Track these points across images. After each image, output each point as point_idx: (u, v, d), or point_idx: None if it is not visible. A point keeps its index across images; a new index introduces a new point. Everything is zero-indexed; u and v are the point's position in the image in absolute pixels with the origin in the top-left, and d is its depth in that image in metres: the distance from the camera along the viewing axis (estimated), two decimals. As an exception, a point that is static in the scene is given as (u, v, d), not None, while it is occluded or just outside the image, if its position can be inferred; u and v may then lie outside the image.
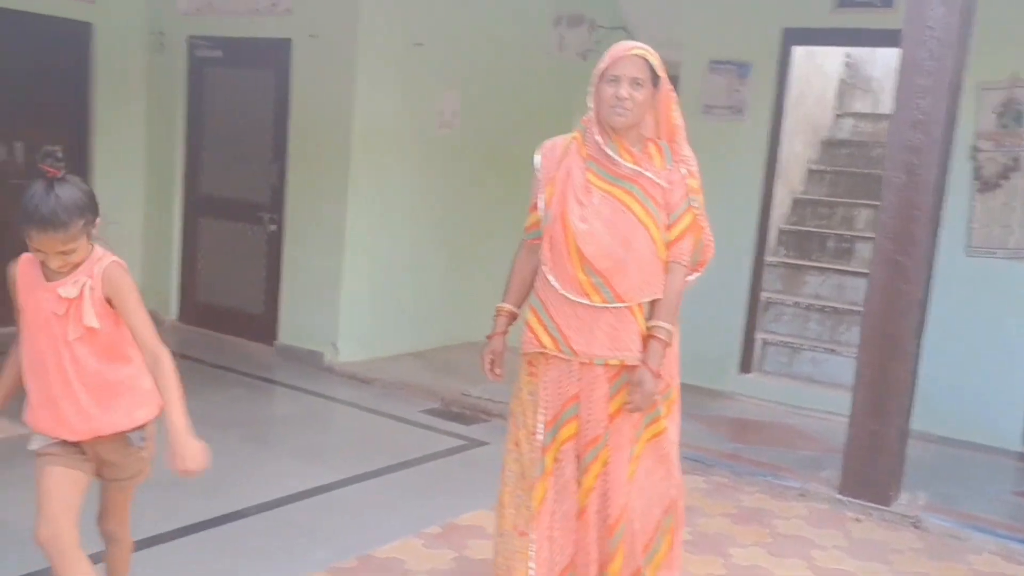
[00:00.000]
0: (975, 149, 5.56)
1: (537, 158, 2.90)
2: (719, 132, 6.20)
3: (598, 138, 2.76)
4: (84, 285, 2.31)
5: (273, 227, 6.39)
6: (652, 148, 2.81)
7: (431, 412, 5.43)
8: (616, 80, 2.69)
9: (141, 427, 2.45)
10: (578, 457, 2.79)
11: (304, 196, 6.20)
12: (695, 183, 2.82)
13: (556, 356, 2.77)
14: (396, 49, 6.05)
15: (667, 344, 2.76)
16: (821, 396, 6.11)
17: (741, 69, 6.19)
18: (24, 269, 2.38)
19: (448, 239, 6.68)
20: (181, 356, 6.33)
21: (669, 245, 2.78)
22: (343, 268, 6.03)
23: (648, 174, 2.75)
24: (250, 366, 6.16)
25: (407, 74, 6.14)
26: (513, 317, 2.96)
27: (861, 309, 6.53)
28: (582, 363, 2.75)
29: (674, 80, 8.96)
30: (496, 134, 6.81)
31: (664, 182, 2.76)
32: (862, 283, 6.78)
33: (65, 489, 2.36)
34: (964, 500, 4.56)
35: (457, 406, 5.50)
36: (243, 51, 6.46)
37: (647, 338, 2.76)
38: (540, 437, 2.78)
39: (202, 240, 6.84)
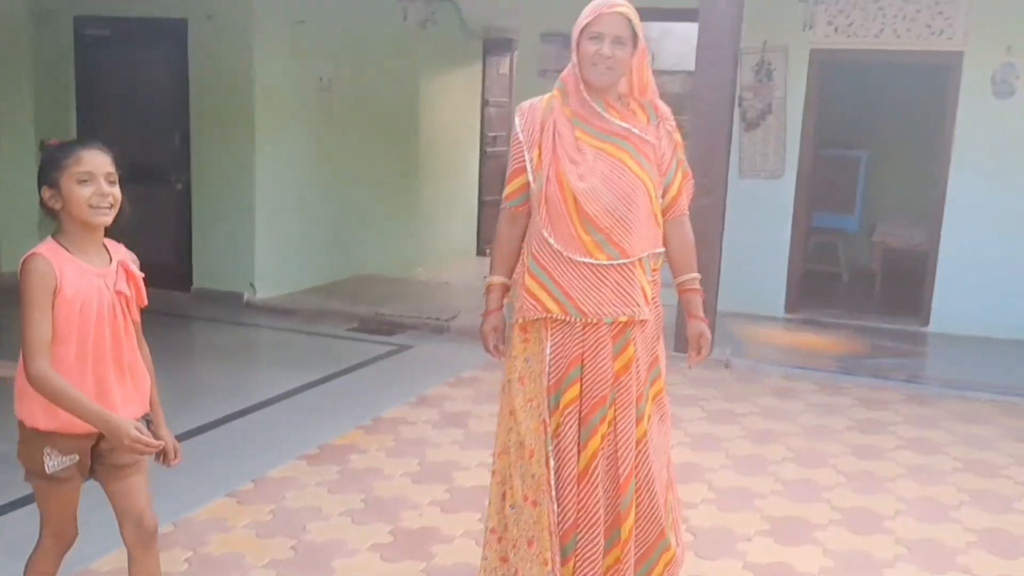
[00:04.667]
0: (741, 98, 7.47)
1: (517, 121, 2.82)
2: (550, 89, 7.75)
3: (585, 95, 2.72)
4: (133, 263, 2.39)
5: (179, 186, 7.24)
6: (634, 105, 2.80)
7: (355, 330, 6.68)
8: (599, 37, 2.65)
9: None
10: (581, 420, 2.73)
11: (210, 155, 7.11)
12: (679, 137, 2.84)
13: (559, 320, 2.72)
14: (283, 26, 7.06)
15: (703, 292, 2.90)
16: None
17: (566, 40, 7.71)
18: (58, 260, 2.22)
19: (337, 183, 7.84)
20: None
21: (673, 202, 2.83)
22: (255, 215, 7.06)
23: (636, 131, 2.74)
24: (173, 308, 7.04)
25: (293, 47, 7.18)
26: (506, 289, 2.89)
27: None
28: (586, 324, 2.71)
29: (511, 46, 10.43)
30: (362, 93, 8.00)
31: (653, 139, 2.76)
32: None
33: (76, 508, 2.40)
34: (753, 350, 6.51)
35: (374, 323, 6.77)
36: (135, 30, 7.18)
37: (684, 292, 2.87)
38: (544, 402, 2.73)
39: (104, 203, 7.51)
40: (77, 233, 2.28)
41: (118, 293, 2.32)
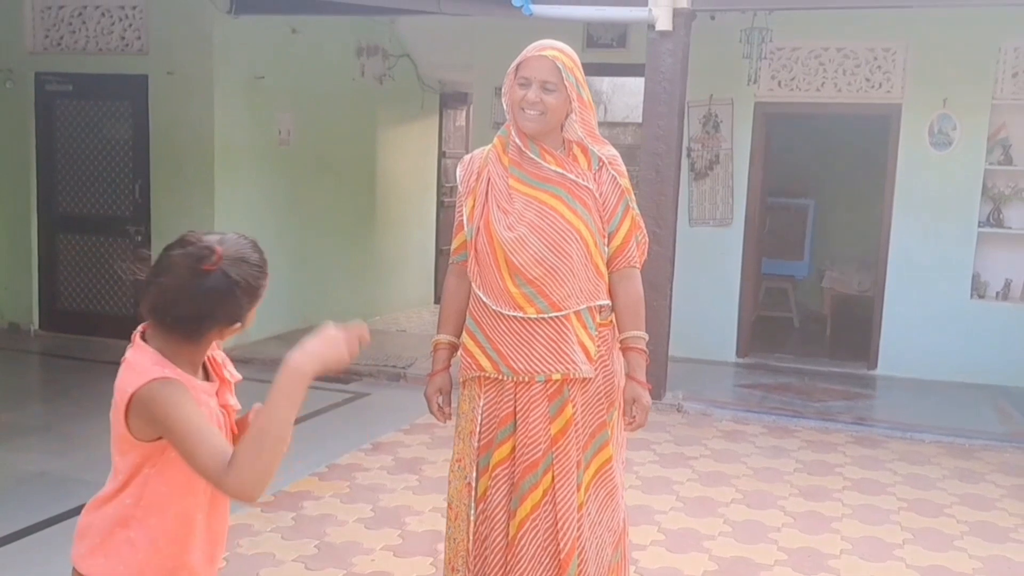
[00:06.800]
0: (689, 149, 7.71)
1: (458, 172, 2.74)
2: (506, 142, 7.98)
3: (518, 141, 2.60)
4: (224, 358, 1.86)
5: (139, 237, 7.29)
6: (576, 150, 2.65)
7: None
8: (526, 83, 2.54)
9: None
10: (513, 484, 2.59)
11: (170, 206, 7.17)
12: (626, 182, 2.67)
13: (492, 378, 2.60)
14: (243, 81, 7.20)
15: (646, 353, 2.65)
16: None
17: (521, 93, 7.97)
18: (181, 375, 1.69)
19: (295, 235, 7.92)
20: (61, 357, 7.12)
21: (618, 251, 2.64)
22: (214, 267, 7.09)
23: (572, 176, 2.59)
24: (131, 360, 7.03)
25: (252, 101, 7.30)
26: (454, 348, 2.75)
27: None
28: (518, 382, 2.57)
29: (467, 99, 10.63)
30: (321, 146, 8.13)
31: (592, 185, 2.60)
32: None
33: None
34: (707, 392, 6.64)
35: (331, 372, 6.79)
36: (96, 86, 7.27)
37: (626, 350, 2.64)
38: (471, 464, 2.63)
39: (62, 254, 7.55)
40: (198, 348, 1.75)
41: (224, 408, 1.80)
